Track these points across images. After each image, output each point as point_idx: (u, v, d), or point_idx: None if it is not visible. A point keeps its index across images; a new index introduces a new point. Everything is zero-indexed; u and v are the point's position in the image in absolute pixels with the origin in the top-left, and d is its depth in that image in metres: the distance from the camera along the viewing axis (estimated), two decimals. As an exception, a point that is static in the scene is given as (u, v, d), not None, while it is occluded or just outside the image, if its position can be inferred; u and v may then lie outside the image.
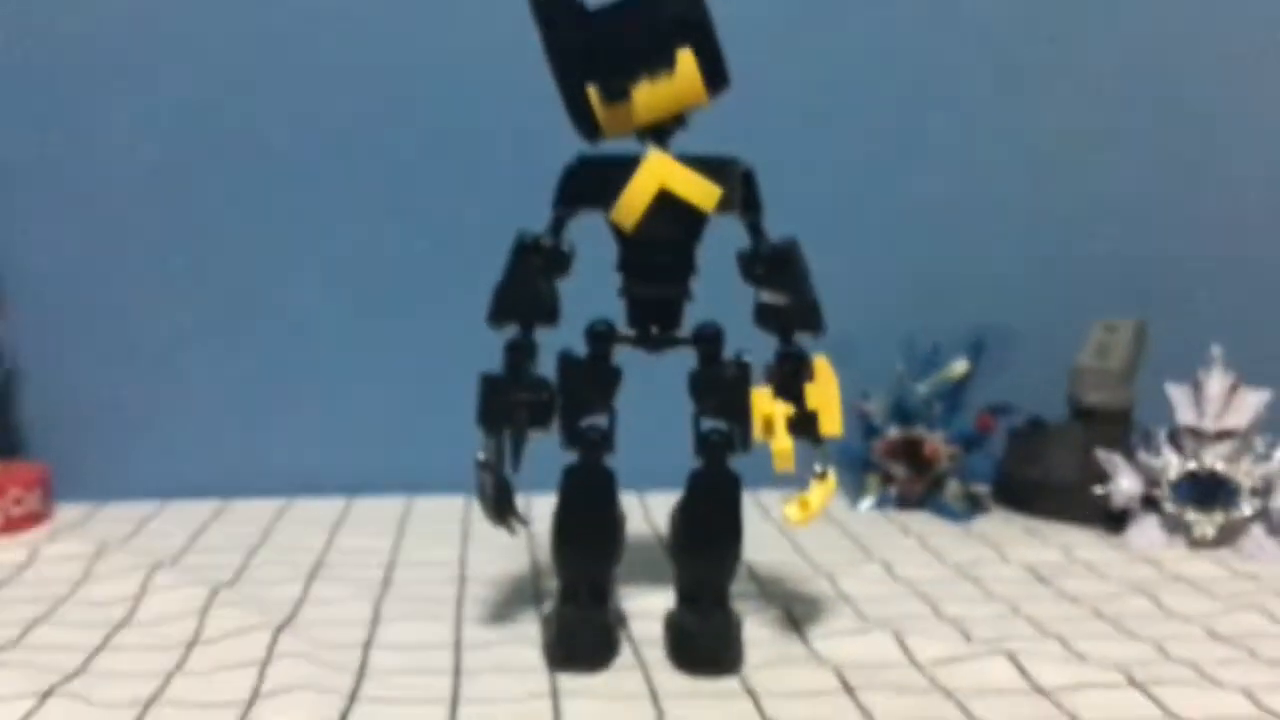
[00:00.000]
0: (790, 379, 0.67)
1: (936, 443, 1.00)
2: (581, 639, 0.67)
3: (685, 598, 0.68)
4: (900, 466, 1.02)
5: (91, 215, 1.01)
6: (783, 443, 0.65)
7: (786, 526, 0.67)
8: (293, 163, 1.03)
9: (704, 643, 0.67)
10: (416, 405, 1.02)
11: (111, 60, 1.00)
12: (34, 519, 0.94)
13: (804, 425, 0.66)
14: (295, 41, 1.01)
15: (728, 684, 0.64)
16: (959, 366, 1.01)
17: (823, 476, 0.67)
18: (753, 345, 0.67)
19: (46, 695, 0.61)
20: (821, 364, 0.67)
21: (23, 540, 0.89)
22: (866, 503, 1.03)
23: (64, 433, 1.02)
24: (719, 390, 0.67)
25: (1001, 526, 0.97)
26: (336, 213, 1.03)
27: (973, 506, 1.00)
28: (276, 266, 1.03)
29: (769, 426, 0.66)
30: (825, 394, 0.67)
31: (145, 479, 1.03)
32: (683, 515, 0.68)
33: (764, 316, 0.67)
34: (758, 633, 0.71)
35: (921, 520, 0.99)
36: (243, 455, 1.05)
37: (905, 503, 1.02)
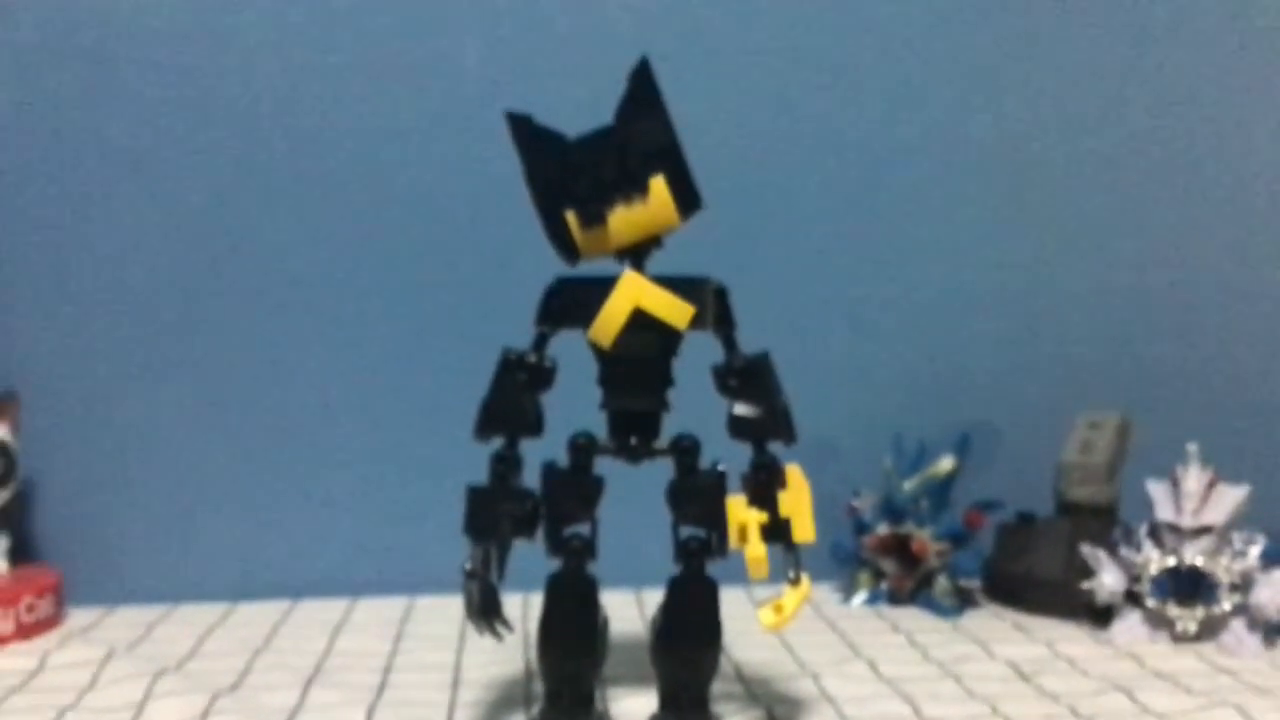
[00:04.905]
0: (764, 487, 0.69)
1: (925, 539, 1.02)
2: (564, 744, 0.69)
3: (666, 700, 0.70)
4: (890, 562, 1.04)
5: (100, 326, 1.05)
6: (756, 550, 0.68)
7: (762, 631, 0.69)
8: (300, 274, 1.06)
9: (682, 747, 0.69)
10: (419, 508, 1.04)
11: (118, 170, 1.04)
12: (46, 624, 0.96)
13: (777, 532, 0.69)
14: (303, 151, 1.06)
15: (706, 787, 0.66)
16: (945, 464, 1.03)
17: (796, 582, 0.69)
18: (728, 455, 0.70)
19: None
20: (794, 472, 0.70)
21: (35, 646, 0.91)
22: (859, 598, 1.04)
23: (76, 538, 1.05)
24: (696, 499, 0.70)
25: (990, 622, 0.99)
26: (341, 326, 1.07)
27: (962, 602, 1.02)
28: (283, 376, 1.07)
29: (744, 534, 0.69)
30: (798, 501, 0.70)
31: (156, 583, 1.05)
32: (662, 619, 0.71)
33: (738, 427, 0.70)
34: (739, 735, 0.73)
35: (911, 616, 1.01)
36: (251, 558, 1.07)
37: (896, 598, 1.04)
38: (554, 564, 0.70)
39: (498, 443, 0.71)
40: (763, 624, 0.68)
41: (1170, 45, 1.13)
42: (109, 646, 0.90)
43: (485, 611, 0.69)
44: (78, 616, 1.00)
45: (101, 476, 1.06)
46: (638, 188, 0.67)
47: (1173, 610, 0.92)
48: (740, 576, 0.67)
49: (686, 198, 0.68)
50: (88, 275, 1.05)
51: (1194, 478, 0.93)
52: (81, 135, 1.04)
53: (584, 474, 0.70)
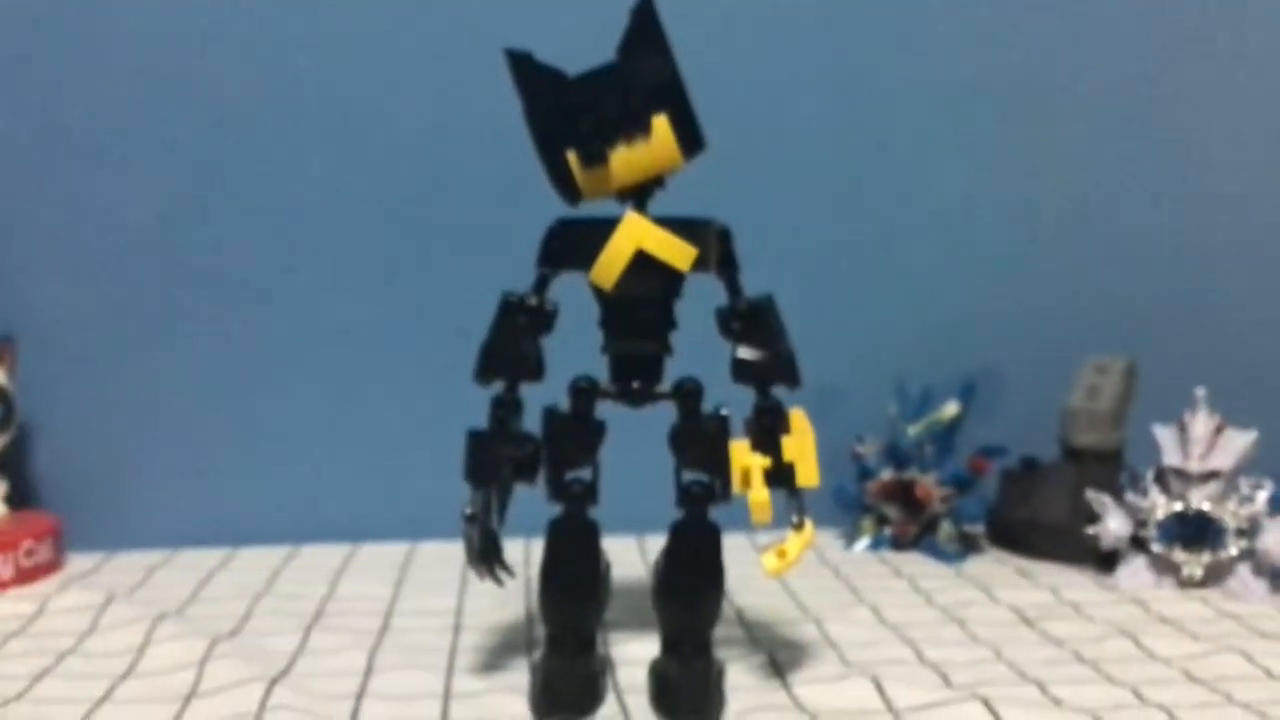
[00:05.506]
0: (767, 432, 0.68)
1: (929, 484, 1.01)
2: (566, 689, 0.69)
3: (668, 646, 0.70)
4: (894, 508, 1.03)
5: (99, 270, 1.04)
6: (760, 494, 0.67)
7: (765, 576, 0.68)
8: (297, 218, 1.05)
9: (684, 691, 0.68)
10: (420, 453, 1.03)
11: (116, 115, 1.03)
12: (46, 569, 0.96)
13: (781, 476, 0.68)
14: (303, 94, 1.04)
15: (708, 731, 0.66)
16: (950, 409, 1.03)
17: (800, 527, 0.68)
18: (732, 398, 0.69)
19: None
20: (798, 416, 0.69)
21: (34, 591, 0.91)
22: (861, 544, 1.04)
23: (76, 484, 1.05)
24: (699, 443, 0.69)
25: (994, 567, 0.99)
26: (342, 269, 1.06)
27: (965, 548, 1.02)
28: (284, 320, 1.06)
29: (747, 478, 0.68)
30: (802, 445, 0.69)
31: (156, 528, 1.05)
32: (665, 564, 0.70)
33: (741, 371, 0.69)
34: (741, 679, 0.73)
35: (914, 562, 1.00)
36: (251, 503, 1.07)
37: (899, 544, 1.03)
38: (555, 509, 0.69)
39: (498, 387, 0.70)
40: (765, 569, 0.67)
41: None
42: (108, 591, 0.89)
43: (486, 556, 0.69)
44: (77, 561, 1.00)
45: (101, 421, 1.05)
46: (640, 127, 0.66)
47: (1178, 555, 0.92)
48: (743, 522, 0.67)
49: (689, 138, 0.66)
50: (88, 219, 1.04)
51: (1201, 422, 0.93)
52: (81, 78, 1.03)
53: (585, 418, 0.69)
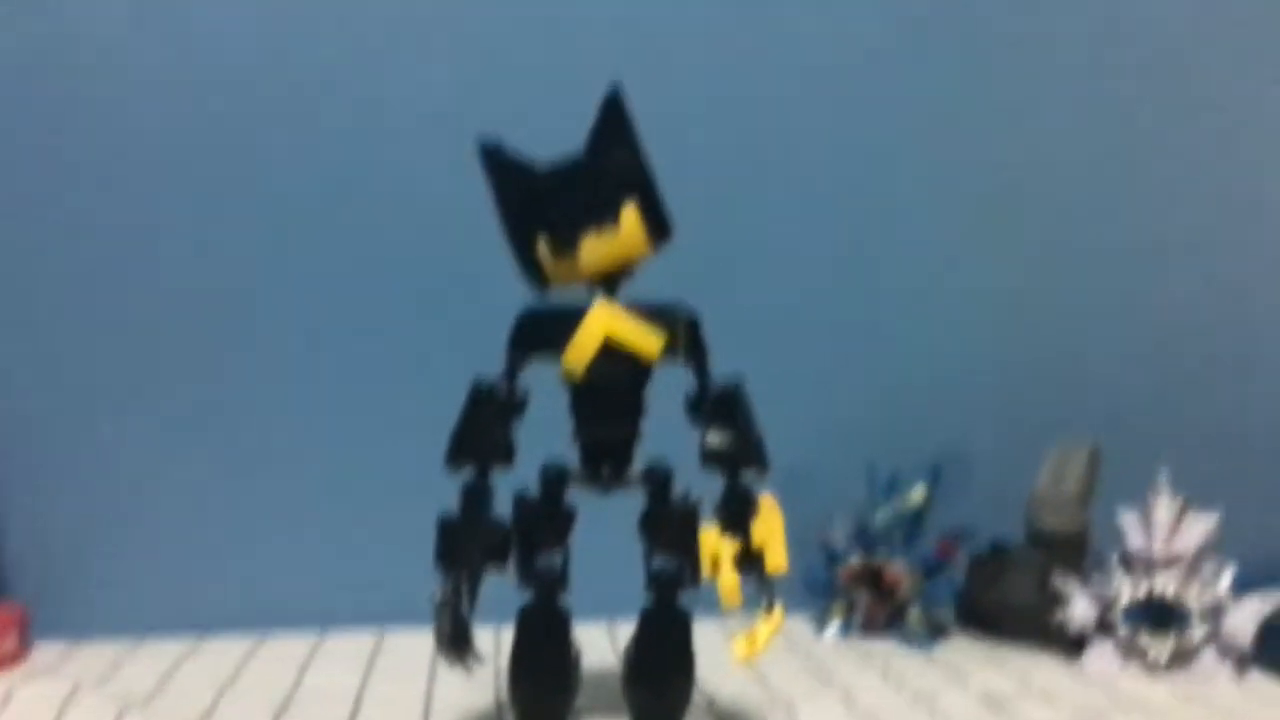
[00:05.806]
0: (736, 517, 0.69)
1: (898, 569, 1.02)
2: (536, 777, 0.69)
3: (639, 733, 0.70)
4: (863, 593, 1.03)
5: (67, 356, 1.04)
6: (729, 580, 0.68)
7: (735, 663, 0.68)
8: (268, 302, 1.06)
9: (655, 779, 0.68)
10: (389, 539, 1.03)
11: (87, 192, 1.03)
12: (10, 659, 0.95)
13: (750, 562, 0.69)
14: (272, 179, 1.05)
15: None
16: (917, 494, 1.03)
17: (770, 611, 0.69)
18: (701, 483, 0.70)
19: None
20: (767, 501, 0.70)
21: (-2, 682, 0.90)
22: (831, 630, 1.04)
23: (41, 572, 1.03)
24: (668, 529, 0.70)
25: (964, 652, 0.99)
26: (309, 356, 1.06)
27: (935, 632, 1.02)
28: (251, 408, 1.06)
29: (716, 563, 0.68)
30: (770, 530, 0.70)
31: (122, 615, 1.04)
32: (634, 651, 0.70)
33: (710, 457, 0.70)
34: (712, 767, 0.73)
35: (885, 647, 1.00)
36: (218, 591, 1.06)
37: (870, 629, 1.03)
38: (525, 595, 0.69)
39: (469, 473, 0.70)
40: (735, 655, 0.68)
41: (1153, 68, 1.14)
42: (74, 682, 0.88)
43: (456, 643, 0.69)
44: (43, 652, 0.99)
45: (67, 510, 1.04)
46: (609, 216, 0.67)
47: (1144, 639, 0.92)
48: (713, 606, 0.67)
49: (658, 226, 0.68)
50: (55, 304, 1.04)
51: (1164, 506, 0.94)
52: (46, 154, 1.03)
53: (555, 504, 0.70)
